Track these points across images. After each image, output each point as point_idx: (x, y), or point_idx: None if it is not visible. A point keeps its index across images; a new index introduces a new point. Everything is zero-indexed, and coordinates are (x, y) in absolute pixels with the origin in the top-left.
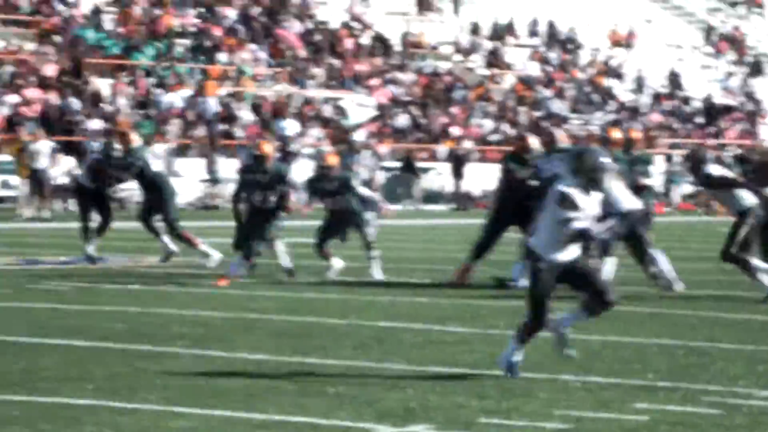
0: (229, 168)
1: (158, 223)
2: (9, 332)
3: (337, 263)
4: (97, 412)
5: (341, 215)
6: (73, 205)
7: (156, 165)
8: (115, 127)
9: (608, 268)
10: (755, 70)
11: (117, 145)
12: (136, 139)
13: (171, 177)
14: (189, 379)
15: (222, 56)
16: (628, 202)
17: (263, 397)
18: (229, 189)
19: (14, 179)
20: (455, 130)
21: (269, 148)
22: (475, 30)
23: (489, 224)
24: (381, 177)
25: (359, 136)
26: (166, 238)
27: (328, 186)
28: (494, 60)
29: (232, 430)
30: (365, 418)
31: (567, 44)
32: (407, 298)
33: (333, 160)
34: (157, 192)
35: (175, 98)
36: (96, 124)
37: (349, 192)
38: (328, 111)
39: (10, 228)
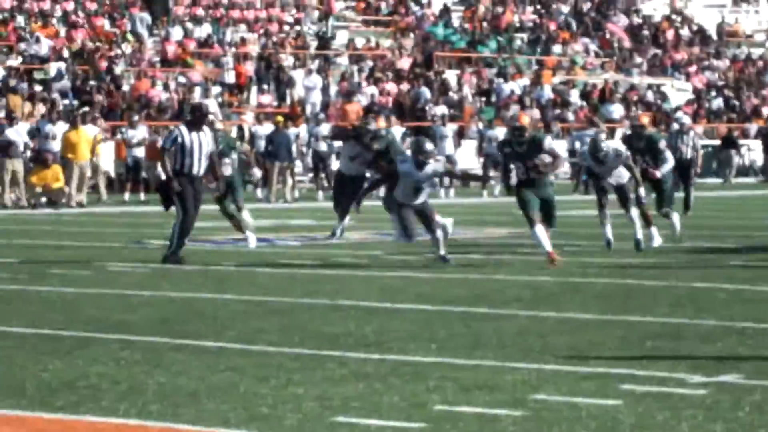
0: (559, 147)
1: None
2: (364, 298)
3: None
4: (440, 368)
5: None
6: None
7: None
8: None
9: None
10: None
11: (371, 127)
12: (382, 124)
13: None
14: (522, 337)
15: (556, 48)
16: None
17: (588, 352)
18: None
19: None
20: (766, 110)
21: (527, 119)
22: None
23: None
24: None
25: (681, 117)
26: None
27: (637, 144)
28: None
29: (559, 381)
30: (679, 369)
31: None
32: (721, 262)
33: (645, 120)
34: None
35: (514, 86)
36: (441, 110)
37: (661, 154)
38: (650, 96)
39: (368, 206)
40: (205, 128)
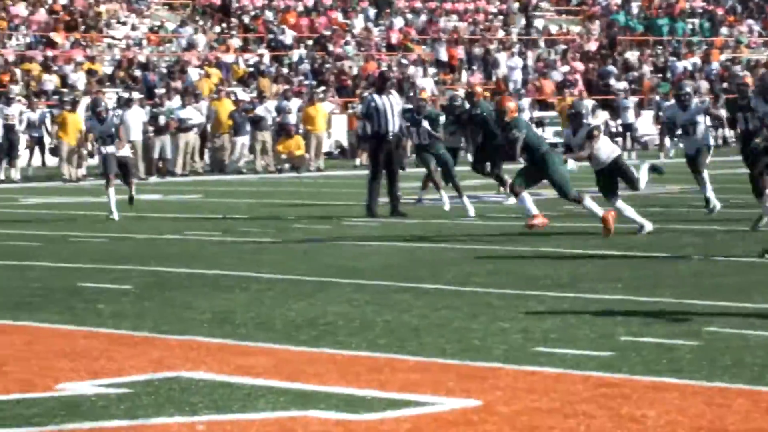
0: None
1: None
2: (558, 246)
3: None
4: (625, 304)
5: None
6: None
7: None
8: (472, 87)
9: None
10: None
11: (457, 103)
12: (483, 95)
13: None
14: (696, 278)
15: (724, 30)
16: None
17: (754, 290)
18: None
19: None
20: None
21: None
22: None
23: None
24: None
25: None
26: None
27: (741, 102)
28: None
29: (729, 315)
30: (751, 300)
31: None
32: None
33: (749, 80)
34: (492, 141)
35: (687, 64)
36: (623, 85)
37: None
38: None
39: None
40: (393, 92)
